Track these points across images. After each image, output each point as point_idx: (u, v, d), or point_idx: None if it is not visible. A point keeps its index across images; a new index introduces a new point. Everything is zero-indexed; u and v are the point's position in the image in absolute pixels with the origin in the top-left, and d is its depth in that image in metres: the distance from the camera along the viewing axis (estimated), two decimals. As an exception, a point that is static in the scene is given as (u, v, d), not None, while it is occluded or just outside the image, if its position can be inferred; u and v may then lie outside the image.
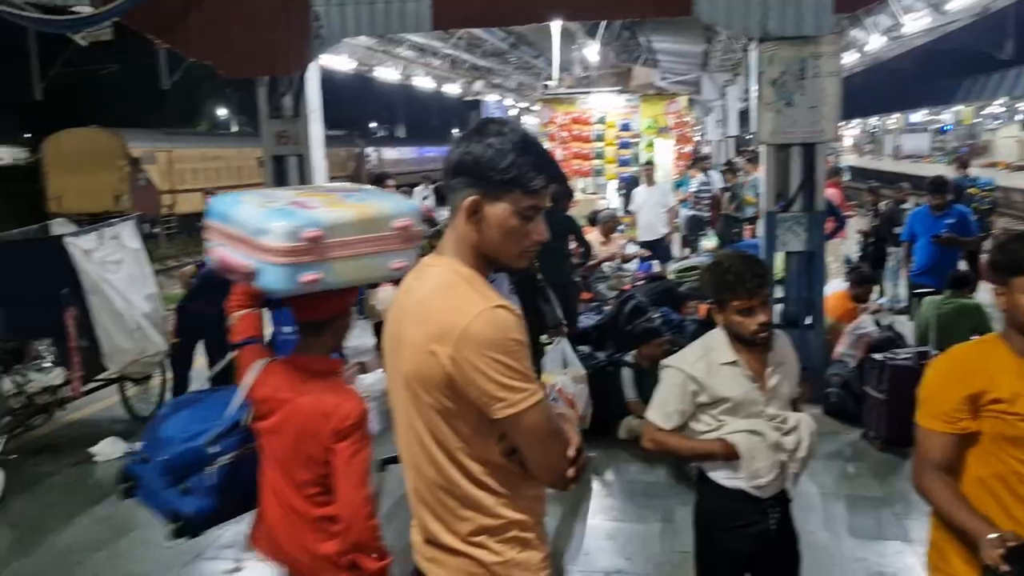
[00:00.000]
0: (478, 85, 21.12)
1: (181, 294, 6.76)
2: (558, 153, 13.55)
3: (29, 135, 29.56)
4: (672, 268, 9.48)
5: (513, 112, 27.17)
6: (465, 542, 1.78)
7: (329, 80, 8.38)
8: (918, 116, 43.30)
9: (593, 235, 8.82)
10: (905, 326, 7.31)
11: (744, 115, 21.61)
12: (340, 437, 2.32)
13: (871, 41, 13.94)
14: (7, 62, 30.08)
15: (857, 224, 10.94)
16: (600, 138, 14.40)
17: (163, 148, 23.80)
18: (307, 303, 2.46)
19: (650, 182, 11.30)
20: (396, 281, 2.65)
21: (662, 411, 2.73)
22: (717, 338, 2.74)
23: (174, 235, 22.98)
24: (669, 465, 5.31)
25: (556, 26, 11.78)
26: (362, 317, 6.59)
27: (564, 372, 5.57)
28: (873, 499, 4.99)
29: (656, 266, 9.70)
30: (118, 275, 6.47)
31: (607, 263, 9.05)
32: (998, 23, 26.78)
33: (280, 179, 7.77)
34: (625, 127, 14.33)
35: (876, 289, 8.58)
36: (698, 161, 14.12)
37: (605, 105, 14.42)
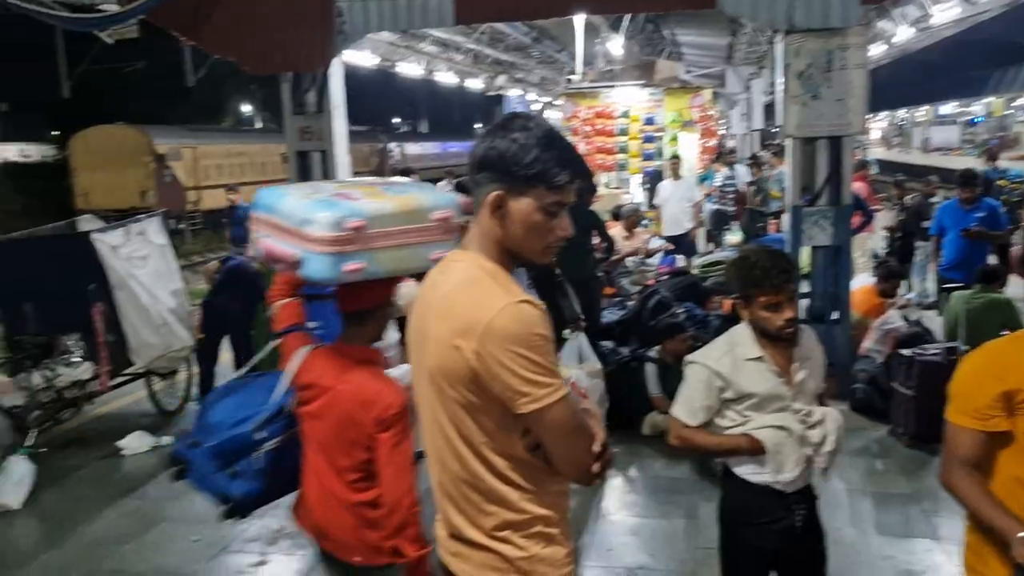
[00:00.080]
0: (501, 80, 21.08)
1: (206, 289, 6.81)
2: (581, 147, 13.51)
3: (57, 132, 29.89)
4: (696, 263, 9.42)
5: (536, 107, 27.11)
6: (489, 537, 1.77)
7: (352, 76, 8.40)
8: (947, 108, 42.75)
9: (616, 230, 8.78)
10: (934, 321, 7.22)
11: (769, 108, 21.44)
12: (383, 427, 2.36)
13: (899, 32, 13.74)
14: (36, 60, 30.43)
15: (883, 220, 10.82)
16: (624, 132, 14.34)
17: (188, 145, 24.01)
18: (350, 293, 2.50)
19: (676, 176, 11.22)
20: (418, 276, 2.73)
21: (688, 408, 2.71)
22: (742, 334, 2.71)
23: (199, 231, 23.18)
24: (693, 461, 5.29)
25: (580, 20, 11.75)
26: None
27: (579, 366, 5.55)
28: (901, 496, 4.93)
29: (680, 261, 9.64)
30: (144, 271, 6.53)
31: (630, 258, 9.01)
32: (1029, 13, 26.30)
33: (304, 175, 7.81)
34: (649, 121, 14.27)
35: (904, 284, 8.49)
36: (724, 155, 14.02)
37: (629, 99, 14.36)
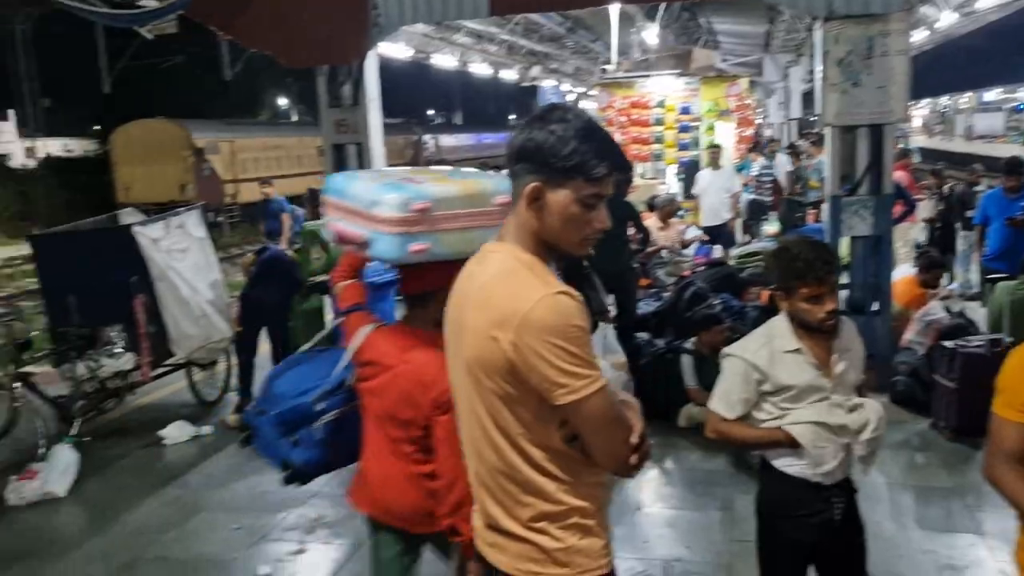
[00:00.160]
0: (535, 70, 21.04)
1: (243, 282, 6.89)
2: (616, 138, 13.40)
3: (98, 127, 30.45)
4: (734, 253, 9.33)
5: (570, 97, 27.02)
6: (526, 527, 1.77)
7: (386, 68, 8.43)
8: (992, 95, 41.75)
9: (652, 220, 8.73)
10: (977, 312, 7.09)
11: (807, 97, 21.16)
12: (441, 410, 2.39)
13: (942, 18, 13.50)
14: (78, 57, 31.00)
15: (923, 210, 10.61)
16: (659, 122, 14.23)
17: (226, 138, 24.27)
18: (414, 274, 2.57)
19: (715, 165, 11.06)
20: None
21: (726, 401, 2.69)
22: (780, 325, 2.68)
23: (237, 223, 23.45)
24: (729, 453, 5.25)
25: (615, 9, 11.67)
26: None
27: (604, 358, 5.53)
28: (942, 490, 4.85)
29: (717, 251, 9.55)
30: (184, 263, 6.63)
31: (666, 249, 8.95)
32: (1078, -4, 25.64)
33: (339, 168, 7.85)
34: (685, 111, 14.14)
35: (946, 274, 8.33)
36: (762, 145, 13.85)
37: (664, 88, 14.24)
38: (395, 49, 13.13)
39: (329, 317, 7.12)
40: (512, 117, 59.79)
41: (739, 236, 11.83)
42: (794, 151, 12.76)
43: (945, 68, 36.43)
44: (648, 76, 14.68)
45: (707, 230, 10.28)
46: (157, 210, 7.19)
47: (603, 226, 1.76)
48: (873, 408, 2.66)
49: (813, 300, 2.57)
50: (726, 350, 2.77)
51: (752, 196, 12.37)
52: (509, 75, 20.93)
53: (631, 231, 7.13)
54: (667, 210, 9.26)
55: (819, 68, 6.52)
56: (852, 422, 2.61)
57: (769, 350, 2.65)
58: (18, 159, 32.67)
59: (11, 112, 36.10)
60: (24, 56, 37.63)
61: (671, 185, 13.41)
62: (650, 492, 5.03)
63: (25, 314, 12.04)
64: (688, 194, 11.98)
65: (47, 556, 4.59)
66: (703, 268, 8.32)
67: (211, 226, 7.54)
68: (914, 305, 6.58)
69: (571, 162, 1.68)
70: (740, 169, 13.23)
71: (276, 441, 2.77)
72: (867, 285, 6.53)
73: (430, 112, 57.06)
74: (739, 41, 20.15)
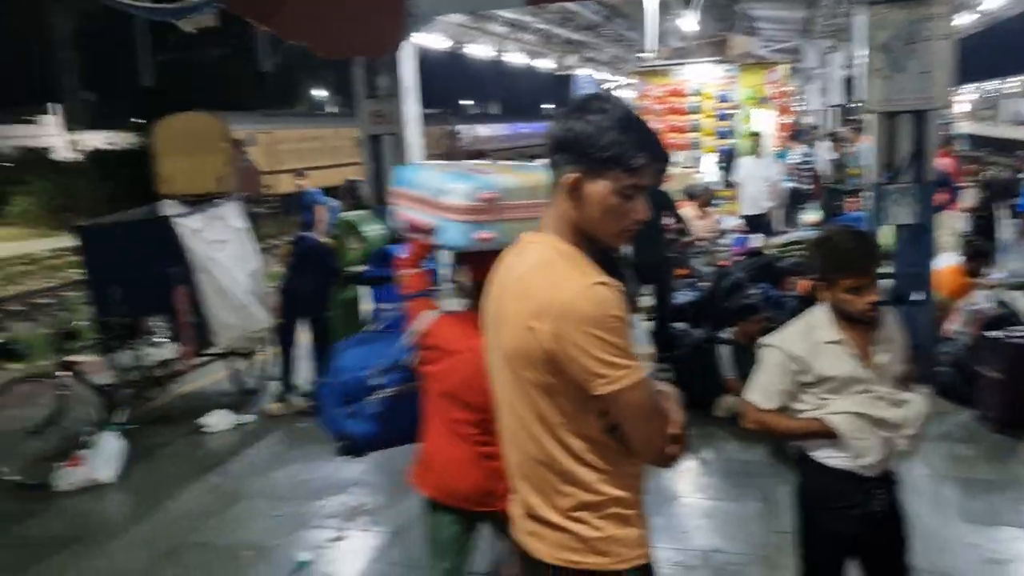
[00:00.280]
0: (571, 59, 20.92)
1: (282, 272, 6.97)
2: (654, 127, 13.30)
3: (141, 120, 30.90)
4: (773, 242, 9.22)
5: (607, 86, 26.84)
6: (565, 517, 1.78)
7: (422, 58, 8.44)
8: (1041, 79, 40.70)
9: (689, 209, 8.66)
10: (1022, 302, 6.94)
11: (848, 83, 20.80)
12: None
13: (987, 0, 13.18)
14: (119, 51, 31.46)
15: (966, 198, 10.40)
16: (696, 110, 14.09)
17: (263, 130, 24.49)
18: (480, 262, 2.62)
19: (757, 153, 10.89)
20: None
21: (764, 392, 2.67)
22: (820, 316, 2.65)
23: (275, 214, 23.67)
24: (767, 444, 5.20)
25: (651, -4, 11.55)
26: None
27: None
28: (986, 482, 4.77)
29: (756, 241, 9.45)
30: (224, 254, 6.72)
31: (703, 239, 8.87)
32: None
33: (377, 159, 7.89)
34: (723, 98, 13.99)
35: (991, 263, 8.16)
36: (803, 133, 13.64)
37: (702, 76, 14.10)
38: (431, 39, 13.13)
39: (365, 307, 7.18)
40: (547, 106, 59.60)
41: (778, 225, 11.68)
42: (835, 138, 12.56)
43: (992, 52, 35.51)
44: (684, 64, 14.54)
45: (747, 219, 10.15)
46: (197, 201, 7.28)
47: (642, 217, 1.75)
48: (918, 404, 2.62)
49: (855, 291, 2.54)
50: (764, 340, 2.75)
51: (791, 184, 12.20)
52: (545, 64, 20.83)
53: (668, 220, 7.08)
54: (705, 199, 9.18)
55: (860, 54, 6.41)
56: (894, 416, 2.58)
57: (809, 341, 2.62)
58: (62, 152, 33.32)
59: (55, 107, 36.84)
60: (67, 51, 38.36)
61: (708, 173, 13.28)
62: (688, 483, 5.01)
63: (71, 304, 12.35)
64: (728, 182, 11.85)
65: (94, 541, 4.69)
66: (742, 258, 8.24)
67: (250, 217, 7.62)
68: (958, 294, 6.46)
69: (610, 153, 1.68)
70: (779, 157, 13.07)
71: (334, 411, 2.94)
72: (910, 274, 6.42)
73: (465, 102, 57.07)
74: (778, 27, 19.84)
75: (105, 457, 5.52)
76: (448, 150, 31.54)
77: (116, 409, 5.93)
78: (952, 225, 9.46)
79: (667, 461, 1.77)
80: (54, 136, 35.80)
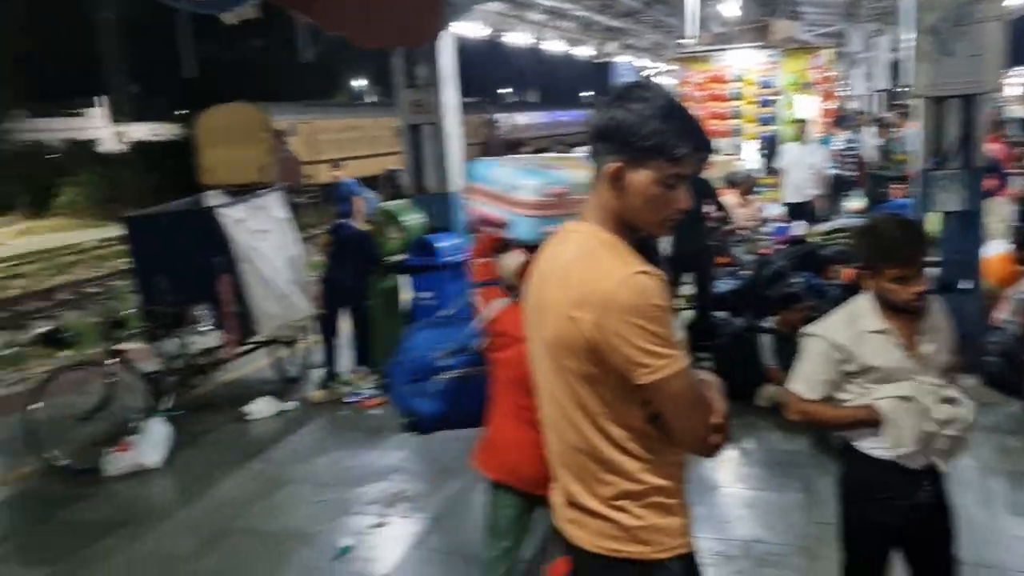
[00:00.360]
0: (611, 46, 20.76)
1: (322, 262, 7.04)
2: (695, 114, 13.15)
3: (184, 111, 31.37)
4: (816, 230, 9.09)
5: (646, 73, 26.60)
6: (607, 505, 1.78)
7: (460, 47, 8.45)
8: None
9: (730, 197, 8.56)
10: (1075, 290, 6.76)
11: (894, 67, 20.39)
12: None
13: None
14: (162, 44, 31.87)
15: (1014, 186, 10.12)
16: (738, 97, 13.91)
17: (303, 120, 24.71)
18: None
19: (802, 140, 10.69)
20: (530, 248, 2.82)
21: (807, 382, 2.63)
22: (864, 305, 2.61)
23: (315, 204, 23.90)
24: (810, 434, 5.15)
25: (692, -19, 11.41)
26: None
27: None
28: (1036, 475, 4.67)
29: (799, 228, 9.31)
30: (266, 243, 6.79)
31: (744, 227, 8.77)
32: None
33: (416, 148, 7.92)
34: (765, 84, 13.78)
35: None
36: (848, 118, 13.37)
37: (743, 62, 13.90)
38: (469, 28, 13.11)
39: (405, 296, 7.23)
40: (585, 94, 59.29)
41: (822, 212, 11.49)
42: (881, 123, 12.31)
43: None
44: (726, 50, 14.35)
45: (790, 207, 10.00)
46: (239, 192, 7.37)
47: (684, 206, 1.74)
48: (966, 403, 2.57)
49: (900, 281, 2.49)
50: (807, 329, 2.71)
51: (835, 171, 11.99)
52: (584, 52, 20.70)
53: (709, 209, 7.02)
54: (746, 186, 9.07)
55: (907, 37, 6.27)
56: (939, 411, 2.53)
57: (853, 329, 2.58)
58: (108, 144, 33.94)
59: (101, 99, 37.54)
60: (112, 44, 39.03)
61: (750, 161, 13.11)
62: (729, 472, 4.98)
63: (118, 293, 12.60)
64: (770, 169, 11.67)
65: (141, 525, 4.79)
66: (784, 246, 8.14)
67: (291, 207, 7.70)
68: (1008, 283, 6.32)
69: (652, 142, 1.67)
70: (823, 143, 12.85)
71: (403, 388, 3.09)
72: (957, 262, 6.29)
73: (503, 90, 56.99)
74: (822, 11, 19.49)
75: (152, 443, 5.63)
76: (486, 139, 31.55)
77: (162, 396, 6.04)
78: (1001, 212, 9.22)
79: (709, 450, 1.75)
80: (100, 128, 36.49)
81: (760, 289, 6.60)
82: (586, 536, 1.81)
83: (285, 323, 6.94)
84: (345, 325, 6.90)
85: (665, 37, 21.77)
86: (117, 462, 5.50)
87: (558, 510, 1.91)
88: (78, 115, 36.52)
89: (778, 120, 13.42)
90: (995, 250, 6.70)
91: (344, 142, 25.53)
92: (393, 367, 3.22)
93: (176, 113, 33.39)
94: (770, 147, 12.45)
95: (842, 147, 12.13)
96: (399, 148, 8.39)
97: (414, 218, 7.32)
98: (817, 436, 5.07)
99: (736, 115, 13.95)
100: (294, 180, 22.51)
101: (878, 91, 21.14)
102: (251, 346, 6.98)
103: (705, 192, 6.91)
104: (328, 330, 6.85)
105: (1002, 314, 6.06)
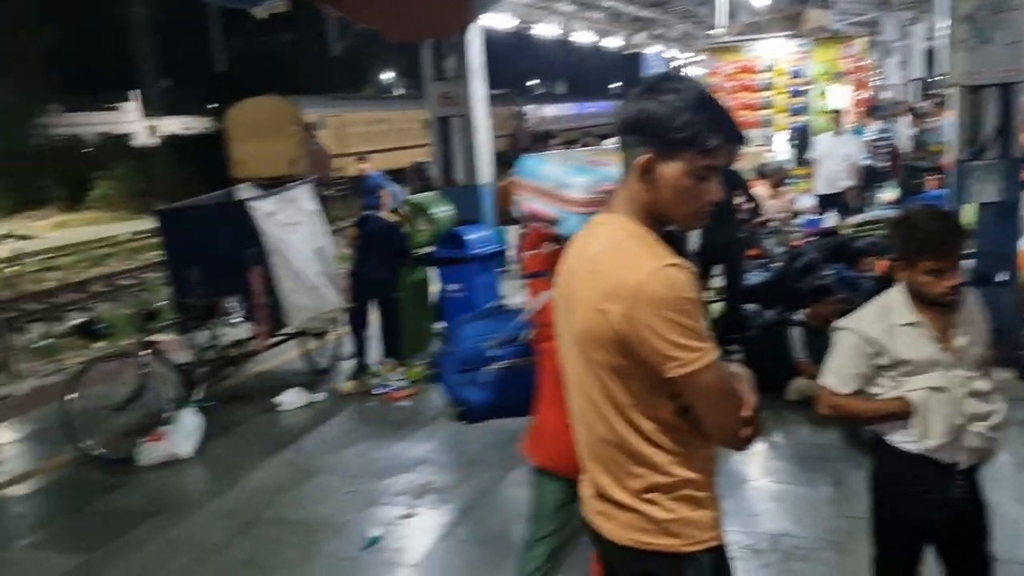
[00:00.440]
0: (640, 37, 20.62)
1: (350, 255, 7.08)
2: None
3: (215, 105, 31.70)
4: (849, 222, 8.97)
5: (676, 64, 26.41)
6: (636, 498, 1.77)
7: (488, 39, 8.44)
8: None
9: (761, 188, 8.48)
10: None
11: (929, 55, 20.06)
12: None
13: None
14: (193, 38, 32.21)
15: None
16: (768, 87, 13.77)
17: (333, 113, 24.82)
18: None
19: (836, 130, 10.54)
20: (558, 240, 2.87)
21: (839, 376, 2.60)
22: (896, 298, 2.57)
23: (344, 197, 24.04)
24: (841, 428, 5.09)
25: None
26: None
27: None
28: (1074, 471, 4.59)
29: (831, 220, 9.20)
30: (296, 236, 6.83)
31: (775, 219, 8.68)
32: None
33: (444, 140, 7.93)
34: (796, 74, 13.62)
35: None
36: (882, 108, 13.16)
37: (774, 52, 13.75)
38: (497, 20, 13.09)
39: (434, 288, 7.25)
40: (614, 85, 58.99)
41: (854, 204, 11.34)
42: (915, 113, 12.11)
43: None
44: (756, 39, 14.20)
45: (822, 198, 9.87)
46: (270, 184, 7.42)
47: (716, 199, 1.72)
48: (1000, 404, 2.53)
49: (935, 273, 2.45)
50: (839, 323, 2.68)
51: (867, 162, 11.83)
52: (612, 43, 20.58)
53: (739, 200, 6.96)
54: (777, 178, 8.98)
55: (943, 25, 6.16)
56: (971, 405, 2.49)
57: (885, 323, 2.54)
58: (141, 138, 34.37)
59: (134, 93, 38.00)
60: (144, 39, 39.48)
61: (780, 152, 12.97)
62: (759, 466, 4.94)
63: (151, 285, 12.76)
64: (801, 160, 11.53)
65: (174, 514, 4.86)
66: (815, 238, 8.05)
67: (320, 199, 7.74)
68: (1045, 275, 6.20)
69: (684, 134, 1.65)
70: (856, 133, 12.68)
71: (453, 378, 3.14)
72: (993, 254, 6.18)
73: (531, 82, 56.86)
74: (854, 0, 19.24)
75: (185, 433, 5.70)
76: (515, 131, 31.51)
77: (194, 387, 6.11)
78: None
79: (740, 443, 1.74)
80: (133, 122, 36.98)
81: (791, 281, 6.53)
82: (616, 528, 1.81)
83: (315, 315, 6.99)
84: (374, 317, 6.94)
85: (694, 27, 21.59)
86: (150, 452, 5.58)
87: (587, 502, 1.90)
88: (112, 109, 37.02)
89: (809, 110, 13.26)
90: (1032, 242, 6.57)
91: (373, 135, 25.62)
92: (444, 357, 3.29)
93: (207, 107, 33.73)
94: (801, 138, 12.31)
95: (875, 137, 11.96)
96: (427, 141, 8.41)
97: (443, 210, 7.34)
98: (849, 430, 5.02)
99: (766, 106, 13.81)
100: (324, 173, 22.64)
101: (913, 80, 20.82)
102: (281, 338, 7.04)
103: (736, 184, 6.85)
104: (357, 322, 6.88)
105: (1039, 307, 5.95)
